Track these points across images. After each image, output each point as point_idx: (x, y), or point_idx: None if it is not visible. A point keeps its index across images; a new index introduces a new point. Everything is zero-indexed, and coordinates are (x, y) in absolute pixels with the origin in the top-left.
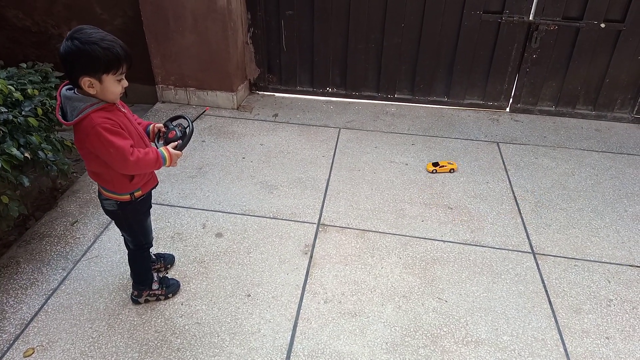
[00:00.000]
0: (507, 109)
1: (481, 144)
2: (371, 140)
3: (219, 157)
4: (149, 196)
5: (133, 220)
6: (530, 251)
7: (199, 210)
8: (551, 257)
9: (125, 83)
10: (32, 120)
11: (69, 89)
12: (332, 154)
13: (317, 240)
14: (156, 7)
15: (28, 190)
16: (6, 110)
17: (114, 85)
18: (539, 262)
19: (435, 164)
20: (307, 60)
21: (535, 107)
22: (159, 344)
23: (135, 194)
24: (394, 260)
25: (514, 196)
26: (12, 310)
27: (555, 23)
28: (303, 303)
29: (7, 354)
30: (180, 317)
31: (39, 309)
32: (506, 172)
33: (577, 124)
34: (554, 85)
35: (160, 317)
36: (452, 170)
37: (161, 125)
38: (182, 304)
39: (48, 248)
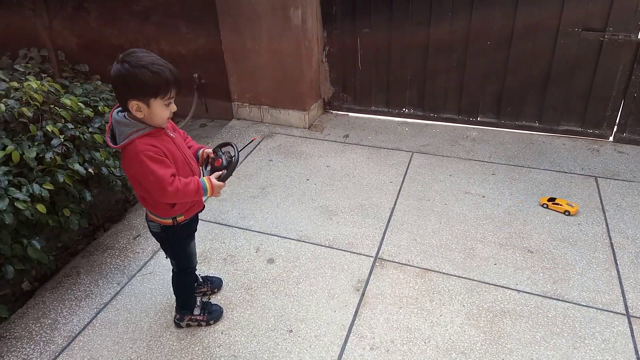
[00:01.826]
0: (611, 138)
1: (575, 177)
2: (446, 167)
3: (284, 177)
4: (192, 221)
5: (175, 243)
6: (625, 313)
7: (255, 233)
8: None
9: (173, 107)
10: (97, 137)
11: (120, 112)
12: (401, 180)
13: (371, 276)
14: (234, 26)
15: (92, 203)
16: (73, 127)
17: (162, 110)
18: (634, 327)
19: (551, 199)
20: (383, 79)
21: None
22: None
23: (177, 218)
24: (457, 307)
25: (611, 243)
26: (64, 321)
27: None
28: (347, 347)
29: None
30: (218, 346)
31: (88, 323)
32: (604, 213)
33: None
34: None
35: (199, 344)
36: (567, 213)
37: (210, 150)
38: (222, 333)
39: (109, 260)
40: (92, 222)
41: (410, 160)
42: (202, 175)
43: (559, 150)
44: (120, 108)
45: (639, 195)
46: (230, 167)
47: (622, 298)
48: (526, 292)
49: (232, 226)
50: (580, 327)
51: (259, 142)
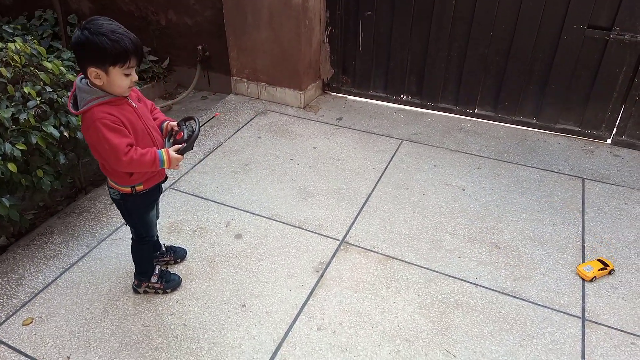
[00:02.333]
0: (609, 141)
1: (562, 177)
2: (432, 157)
3: (268, 155)
4: (153, 191)
5: (133, 212)
6: (580, 316)
7: (229, 208)
8: (605, 327)
9: (135, 77)
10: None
11: (83, 78)
12: (384, 167)
13: (334, 259)
14: (237, 1)
15: (72, 166)
16: (52, 90)
17: (120, 79)
18: (586, 330)
19: (604, 267)
20: (382, 64)
21: None
22: (140, 339)
23: (136, 187)
24: (411, 296)
25: (583, 245)
26: (29, 277)
27: None
28: (295, 325)
29: (11, 319)
30: (170, 314)
31: (52, 281)
32: (583, 215)
33: None
34: None
35: (152, 311)
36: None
37: (174, 123)
38: (177, 302)
39: (82, 223)
40: (75, 184)
41: (398, 147)
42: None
43: (552, 148)
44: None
45: (623, 200)
46: (190, 140)
47: (581, 301)
48: (484, 287)
49: (207, 199)
50: (532, 326)
51: (252, 119)
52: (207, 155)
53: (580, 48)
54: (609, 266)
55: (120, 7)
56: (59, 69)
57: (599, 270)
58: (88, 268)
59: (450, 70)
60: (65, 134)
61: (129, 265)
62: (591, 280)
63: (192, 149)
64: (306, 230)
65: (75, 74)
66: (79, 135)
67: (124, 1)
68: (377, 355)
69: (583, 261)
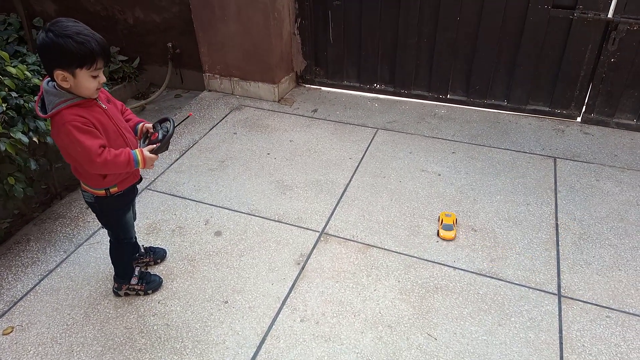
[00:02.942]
0: (578, 119)
1: (534, 157)
2: (408, 145)
3: (245, 151)
4: (128, 192)
5: (109, 214)
6: (557, 292)
7: (207, 205)
8: (580, 302)
9: (102, 79)
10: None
11: (50, 81)
12: (361, 156)
13: (314, 251)
14: None
15: (44, 172)
16: (17, 95)
17: (88, 81)
18: (563, 306)
19: (444, 218)
20: (354, 54)
21: (611, 119)
22: (123, 341)
23: (110, 190)
24: (391, 283)
25: (557, 224)
26: (8, 286)
27: (639, 22)
28: (278, 318)
29: None
30: (152, 315)
31: (31, 289)
32: (555, 194)
33: None
34: (636, 95)
35: (134, 313)
36: (437, 233)
37: (150, 125)
38: (159, 302)
39: (59, 229)
40: (49, 190)
41: (373, 136)
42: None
43: (524, 130)
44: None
45: (595, 177)
46: (164, 140)
47: (556, 278)
48: (462, 270)
49: (185, 198)
50: (509, 305)
51: (227, 115)
52: (183, 154)
53: (546, 28)
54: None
55: (86, 8)
56: (24, 74)
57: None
58: (67, 274)
59: (421, 56)
60: (35, 139)
61: (109, 269)
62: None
63: (167, 149)
64: (286, 223)
65: (41, 78)
66: (49, 140)
67: (89, 1)
68: (360, 342)
69: (557, 241)
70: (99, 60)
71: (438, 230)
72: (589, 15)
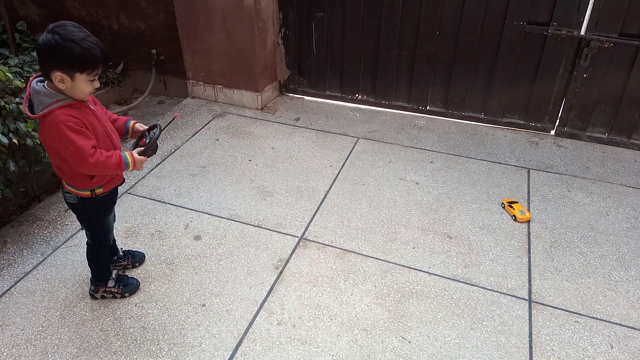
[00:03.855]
0: (552, 132)
1: (509, 168)
2: (387, 154)
3: (227, 157)
4: (111, 194)
5: (92, 216)
6: (527, 298)
7: (187, 210)
8: (550, 308)
9: (97, 84)
10: (23, 108)
11: (40, 82)
12: (342, 164)
13: (293, 256)
14: (188, 4)
15: (23, 174)
16: None
17: (85, 85)
18: (533, 311)
19: (512, 203)
20: (337, 64)
21: (584, 133)
22: (99, 343)
23: (96, 191)
24: (368, 287)
25: (529, 232)
26: None
27: (610, 40)
28: (255, 321)
29: None
30: (129, 318)
31: (6, 291)
32: (528, 203)
33: (630, 156)
34: (607, 110)
35: (110, 315)
36: (513, 217)
37: (139, 125)
38: (135, 305)
39: (36, 231)
40: (27, 193)
41: (354, 145)
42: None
43: (499, 142)
44: (40, 78)
45: (566, 188)
46: (151, 141)
47: (527, 284)
48: (437, 275)
49: (165, 202)
50: (481, 310)
51: (209, 121)
52: (165, 159)
53: (521, 44)
54: (513, 209)
55: (70, 13)
56: (6, 75)
57: (509, 205)
58: (43, 276)
59: (401, 68)
60: (15, 140)
61: (86, 272)
62: (501, 206)
63: (155, 152)
64: (265, 228)
65: (22, 80)
66: (29, 142)
67: (74, 6)
68: (336, 345)
69: (529, 248)
70: (99, 67)
71: (514, 216)
72: (563, 32)
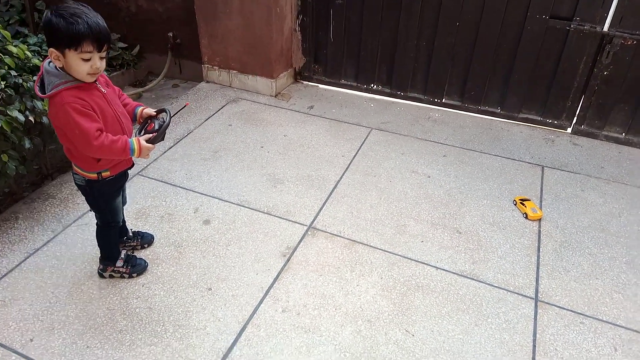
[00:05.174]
0: (569, 130)
1: (523, 165)
2: (400, 146)
3: (239, 143)
4: (120, 177)
5: (100, 198)
6: (534, 297)
7: (198, 194)
8: (556, 307)
9: (96, 64)
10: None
11: (51, 62)
12: (354, 155)
13: (301, 244)
14: None
15: (38, 152)
16: (16, 74)
17: (77, 63)
18: (539, 310)
19: (523, 200)
20: (353, 53)
21: (600, 132)
22: (105, 322)
23: (102, 174)
24: (374, 279)
25: (539, 230)
26: None
27: (633, 37)
28: (260, 308)
29: None
30: (136, 298)
31: (16, 266)
32: (540, 201)
33: None
34: (626, 110)
35: (117, 295)
36: (524, 215)
37: (149, 110)
38: (143, 286)
39: (48, 209)
40: (41, 171)
41: (367, 136)
42: (133, 135)
43: (514, 137)
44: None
45: (580, 187)
46: (161, 130)
47: (535, 283)
48: (444, 270)
49: (176, 186)
50: (487, 306)
51: (223, 107)
52: (177, 143)
53: (543, 38)
54: (525, 207)
55: None
56: (25, 54)
57: (521, 202)
58: (53, 253)
59: (419, 59)
60: (31, 118)
61: (95, 251)
62: (513, 203)
63: (163, 139)
64: (274, 216)
65: (41, 59)
66: (45, 120)
67: None
68: (339, 335)
69: (538, 247)
70: (85, 42)
71: (526, 214)
72: (586, 27)
